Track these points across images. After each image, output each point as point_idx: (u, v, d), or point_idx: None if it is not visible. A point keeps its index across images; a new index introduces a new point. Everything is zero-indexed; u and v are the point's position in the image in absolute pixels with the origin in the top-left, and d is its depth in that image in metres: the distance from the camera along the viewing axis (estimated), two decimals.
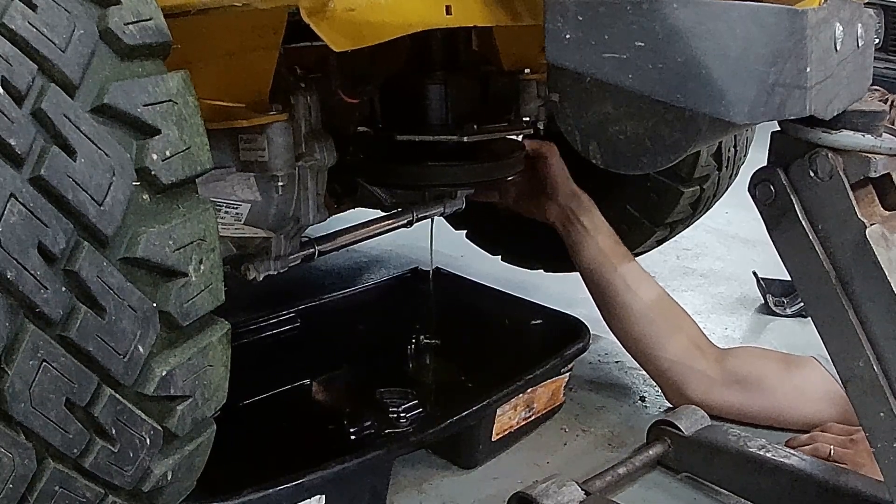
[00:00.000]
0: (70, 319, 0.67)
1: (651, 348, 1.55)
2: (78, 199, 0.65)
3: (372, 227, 1.55)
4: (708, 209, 2.03)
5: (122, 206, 0.68)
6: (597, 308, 1.62)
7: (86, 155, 0.66)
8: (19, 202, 0.63)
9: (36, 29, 0.64)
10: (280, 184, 1.22)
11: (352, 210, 1.64)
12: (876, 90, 0.95)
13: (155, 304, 0.72)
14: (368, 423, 1.47)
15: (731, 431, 1.39)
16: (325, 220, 1.34)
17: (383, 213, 1.59)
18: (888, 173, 0.94)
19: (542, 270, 2.10)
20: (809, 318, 0.99)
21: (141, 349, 0.71)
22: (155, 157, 0.70)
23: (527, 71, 1.52)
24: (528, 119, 1.52)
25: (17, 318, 0.64)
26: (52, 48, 0.65)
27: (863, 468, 1.29)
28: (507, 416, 1.43)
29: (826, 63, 0.84)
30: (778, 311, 2.10)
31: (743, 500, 1.34)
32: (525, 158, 1.55)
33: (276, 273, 1.34)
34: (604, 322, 1.63)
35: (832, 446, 1.38)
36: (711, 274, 2.39)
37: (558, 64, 0.89)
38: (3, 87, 0.62)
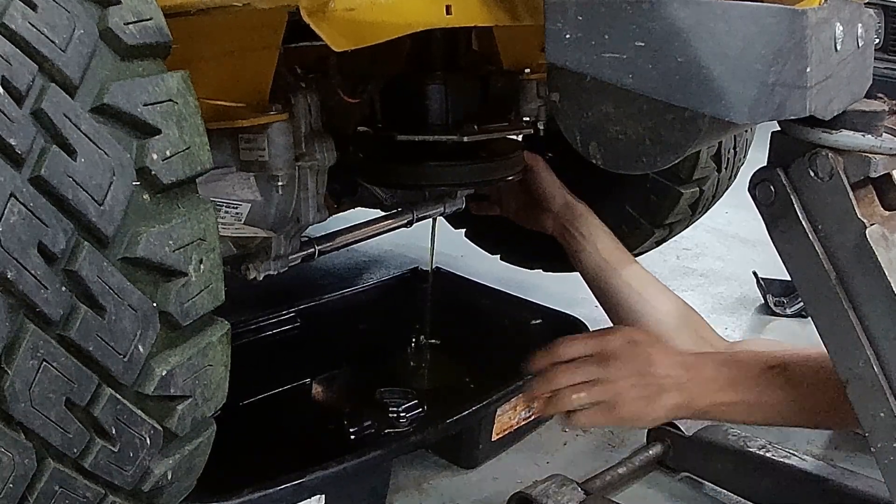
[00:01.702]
0: (70, 319, 0.67)
1: None
2: (78, 199, 0.65)
3: (372, 227, 1.55)
4: (707, 210, 2.03)
5: (122, 206, 0.68)
6: (604, 312, 1.61)
7: (86, 155, 0.66)
8: (19, 202, 0.63)
9: (36, 29, 0.64)
10: (280, 184, 1.22)
11: (352, 210, 1.64)
12: (880, 97, 0.95)
13: (155, 304, 0.72)
14: (368, 423, 1.47)
15: (731, 431, 1.40)
16: (325, 219, 1.34)
17: (383, 213, 1.59)
18: (888, 173, 0.94)
19: (541, 270, 2.10)
20: (809, 318, 0.99)
21: (141, 349, 0.71)
22: (155, 156, 0.70)
23: (527, 71, 1.52)
24: (528, 119, 1.52)
25: (17, 317, 0.64)
26: (52, 48, 0.65)
27: (624, 405, 1.13)
28: (507, 416, 1.43)
29: (826, 63, 0.84)
30: (778, 311, 2.10)
31: (743, 500, 1.34)
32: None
33: (276, 273, 1.34)
34: (603, 322, 1.62)
35: (576, 394, 1.15)
36: (711, 274, 2.39)
37: (558, 64, 0.89)
38: (3, 87, 0.62)
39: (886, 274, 0.89)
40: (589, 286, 1.62)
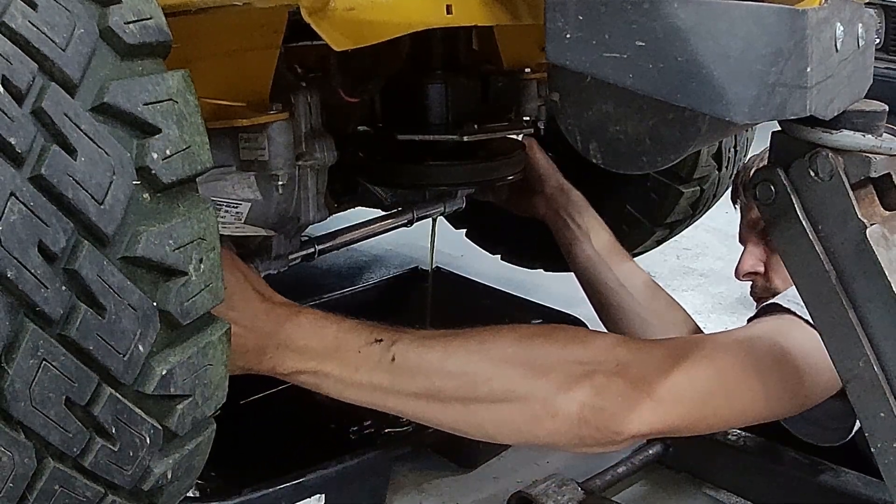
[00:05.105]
0: (70, 318, 0.67)
1: None
2: (78, 198, 0.65)
3: (372, 227, 1.55)
4: (707, 209, 2.03)
5: (123, 205, 0.68)
6: (592, 307, 1.60)
7: (86, 154, 0.66)
8: (19, 201, 0.63)
9: (36, 28, 0.64)
10: (280, 183, 1.22)
11: (352, 209, 1.64)
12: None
13: (155, 303, 0.72)
14: (368, 423, 1.47)
15: (731, 431, 1.39)
16: (326, 219, 1.34)
17: (383, 213, 1.59)
18: (888, 173, 0.94)
19: (542, 270, 2.10)
20: None
21: (141, 348, 0.71)
22: (155, 156, 0.70)
23: (527, 70, 1.52)
24: (528, 119, 1.52)
25: (17, 317, 0.64)
26: (52, 47, 0.65)
27: None
28: None
29: (827, 63, 0.84)
30: None
31: (743, 500, 1.34)
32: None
33: (275, 272, 1.34)
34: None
35: None
36: (711, 274, 2.39)
37: (559, 63, 0.88)
38: (3, 86, 0.62)
39: (886, 274, 0.89)
40: (578, 278, 1.60)
